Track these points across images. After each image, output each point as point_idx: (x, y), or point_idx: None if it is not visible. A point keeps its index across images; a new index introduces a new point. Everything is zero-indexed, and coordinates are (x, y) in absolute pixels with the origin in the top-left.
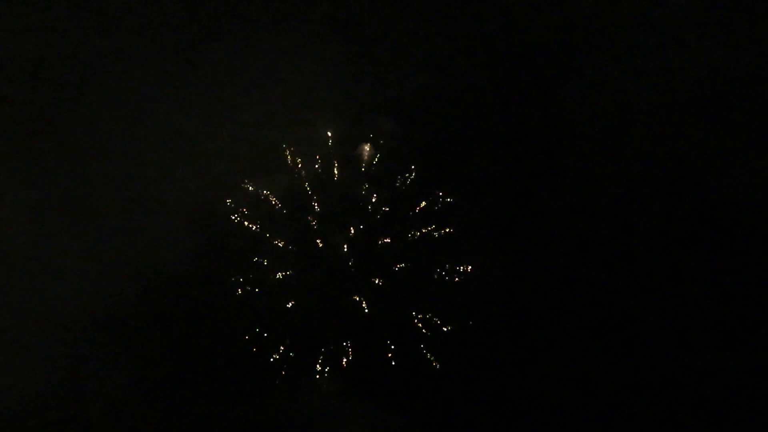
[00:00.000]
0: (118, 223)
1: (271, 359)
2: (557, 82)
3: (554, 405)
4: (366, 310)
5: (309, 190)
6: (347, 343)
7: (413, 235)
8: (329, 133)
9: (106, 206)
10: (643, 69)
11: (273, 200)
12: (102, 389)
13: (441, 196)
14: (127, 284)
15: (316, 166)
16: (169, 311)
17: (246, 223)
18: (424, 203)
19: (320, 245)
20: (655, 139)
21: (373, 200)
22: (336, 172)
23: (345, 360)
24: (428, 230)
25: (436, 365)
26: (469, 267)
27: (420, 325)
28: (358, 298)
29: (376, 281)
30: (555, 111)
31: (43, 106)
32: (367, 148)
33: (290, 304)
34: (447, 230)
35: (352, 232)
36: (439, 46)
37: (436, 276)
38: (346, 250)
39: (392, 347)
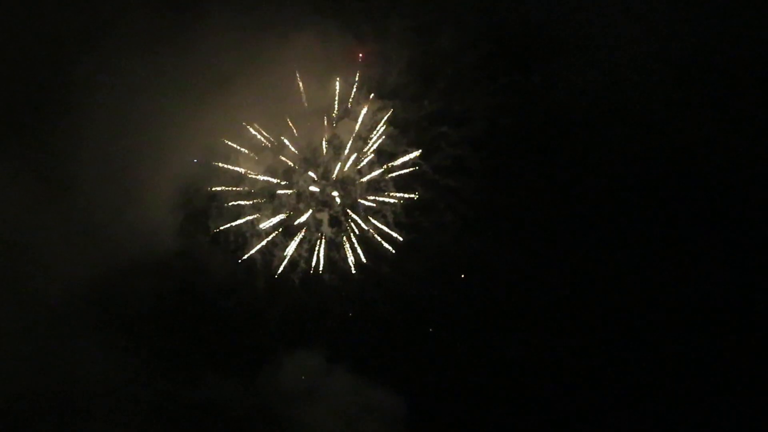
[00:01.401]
0: (100, 203)
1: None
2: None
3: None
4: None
5: (295, 168)
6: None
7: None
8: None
9: (88, 187)
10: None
11: (257, 178)
12: (84, 370)
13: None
14: (108, 265)
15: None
16: (153, 291)
17: (229, 203)
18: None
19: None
20: (657, 127)
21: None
22: (324, 151)
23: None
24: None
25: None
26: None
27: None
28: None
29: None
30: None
31: (25, 88)
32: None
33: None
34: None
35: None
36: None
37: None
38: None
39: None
